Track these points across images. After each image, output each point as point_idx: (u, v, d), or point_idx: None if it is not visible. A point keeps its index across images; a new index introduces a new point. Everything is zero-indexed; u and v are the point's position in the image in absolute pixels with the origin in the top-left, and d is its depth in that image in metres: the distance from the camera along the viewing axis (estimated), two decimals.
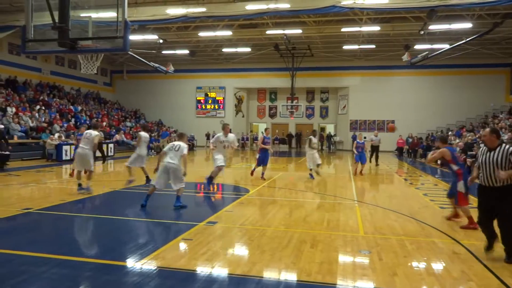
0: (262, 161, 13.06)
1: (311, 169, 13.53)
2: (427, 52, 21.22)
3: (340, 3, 16.97)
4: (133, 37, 21.92)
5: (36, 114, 21.95)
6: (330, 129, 35.20)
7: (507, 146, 4.89)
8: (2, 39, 22.88)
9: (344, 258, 5.18)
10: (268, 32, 23.77)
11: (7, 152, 14.73)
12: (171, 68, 26.37)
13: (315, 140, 13.88)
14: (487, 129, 5.10)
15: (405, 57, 22.83)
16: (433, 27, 20.87)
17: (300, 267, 4.71)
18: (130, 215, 7.61)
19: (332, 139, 32.99)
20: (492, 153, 4.94)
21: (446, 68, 28.76)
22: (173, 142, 8.23)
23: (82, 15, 6.73)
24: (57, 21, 6.14)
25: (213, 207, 9.02)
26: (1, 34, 20.85)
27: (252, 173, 13.42)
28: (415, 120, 29.96)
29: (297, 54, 28.96)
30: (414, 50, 24.46)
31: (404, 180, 14.41)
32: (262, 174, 13.07)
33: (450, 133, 25.94)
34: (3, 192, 9.68)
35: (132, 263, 4.78)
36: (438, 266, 4.89)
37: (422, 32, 21.65)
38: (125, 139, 25.94)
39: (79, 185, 9.42)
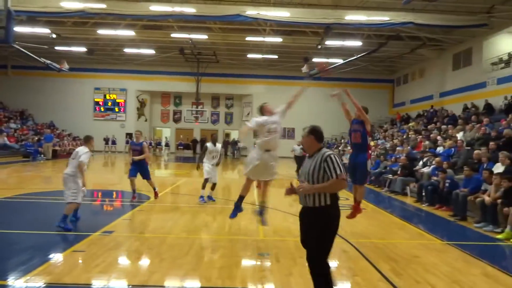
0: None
1: (204, 187, 9.67)
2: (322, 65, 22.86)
3: (245, 13, 17.47)
4: (20, 29, 19.68)
5: None
6: (235, 135, 35.75)
7: (326, 151, 3.56)
8: None
9: (244, 262, 5.26)
10: (173, 35, 23.33)
11: None
12: (66, 66, 24.22)
13: (214, 147, 9.80)
14: (306, 129, 3.75)
15: (304, 69, 24.29)
16: (329, 42, 22.58)
17: (200, 274, 4.67)
18: (12, 227, 6.75)
19: (237, 145, 33.55)
20: (310, 160, 3.64)
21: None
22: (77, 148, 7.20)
23: None
24: None
25: (110, 216, 8.48)
26: None
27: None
28: None
29: (202, 59, 28.90)
30: (312, 63, 26.15)
31: None
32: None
33: (342, 141, 28.22)
34: None
35: (13, 281, 4.23)
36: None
37: (319, 47, 23.26)
38: (8, 143, 23.11)
39: None
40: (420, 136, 17.41)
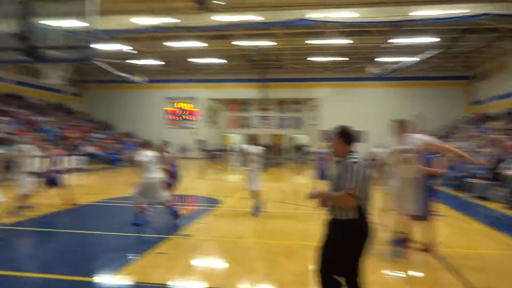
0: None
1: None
2: (394, 65, 21.93)
3: (307, 17, 17.36)
4: (101, 47, 21.46)
5: None
6: (303, 139, 35.54)
7: (353, 158, 3.16)
8: None
9: None
10: (239, 43, 23.87)
11: None
12: (142, 78, 25.97)
13: (254, 150, 8.65)
14: (335, 130, 3.36)
15: (371, 70, 23.51)
16: (397, 40, 21.59)
17: (274, 278, 4.67)
18: (101, 229, 7.33)
19: (304, 150, 33.30)
20: (339, 165, 3.26)
21: (408, 80, 29.77)
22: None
23: (46, 23, 6.52)
24: (20, 29, 5.91)
25: (187, 220, 8.82)
26: None
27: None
28: (384, 130, 30.60)
29: (268, 65, 29.22)
30: (381, 63, 25.19)
31: None
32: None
33: None
34: None
35: (104, 278, 4.59)
36: None
37: (385, 46, 22.35)
38: (94, 151, 25.22)
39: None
40: (506, 136, 15.93)
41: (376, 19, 17.75)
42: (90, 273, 4.79)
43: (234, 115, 36.75)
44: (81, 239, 6.66)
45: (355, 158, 3.12)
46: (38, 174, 8.37)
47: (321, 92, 32.77)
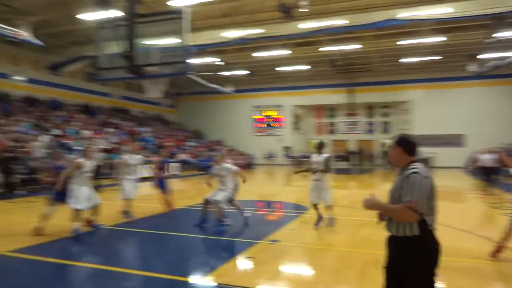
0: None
1: (315, 206, 8.03)
2: (496, 62, 19.85)
3: (396, 16, 16.55)
4: (193, 61, 22.91)
5: (106, 136, 23.52)
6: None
7: (414, 168, 2.81)
8: (79, 68, 25.02)
9: None
10: (323, 49, 23.67)
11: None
12: (230, 89, 27.14)
13: (319, 158, 7.94)
14: (394, 139, 3.05)
15: (472, 68, 21.56)
16: (501, 34, 19.48)
17: None
18: (193, 232, 7.77)
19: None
20: (398, 176, 2.94)
21: None
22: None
23: (147, 42, 7.18)
24: (125, 50, 6.60)
25: (274, 225, 8.97)
26: (78, 64, 22.83)
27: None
28: (488, 133, 27.81)
29: (354, 69, 28.49)
30: (481, 60, 22.98)
31: (487, 202, 13.34)
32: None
33: None
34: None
35: (196, 279, 4.87)
36: None
37: (488, 41, 20.32)
38: (188, 159, 26.91)
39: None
40: None
41: (473, 12, 16.26)
42: (184, 273, 5.11)
43: (320, 121, 36.44)
44: (177, 241, 7.15)
45: (416, 168, 2.78)
46: (143, 180, 9.19)
47: (412, 94, 30.96)
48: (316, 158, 7.92)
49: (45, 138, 18.39)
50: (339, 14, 17.98)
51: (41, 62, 24.64)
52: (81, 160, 7.24)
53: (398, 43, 21.97)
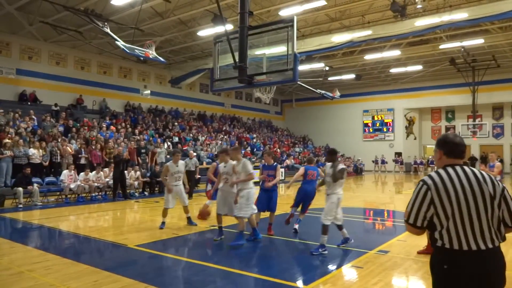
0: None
1: (325, 227, 6.32)
2: None
3: None
4: (301, 68, 23.18)
5: (219, 142, 25.12)
6: None
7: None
8: (195, 81, 27.29)
9: None
10: (441, 46, 21.86)
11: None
12: (337, 94, 26.61)
13: (341, 166, 6.52)
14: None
15: None
16: None
17: None
18: (303, 238, 7.82)
19: None
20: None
21: None
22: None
23: (257, 53, 7.52)
24: (237, 61, 7.01)
25: (384, 235, 8.57)
26: (195, 77, 24.91)
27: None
28: None
29: (478, 66, 25.66)
30: None
31: None
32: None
33: None
34: (196, 211, 11.28)
35: (303, 285, 4.92)
36: None
37: None
38: (294, 164, 27.21)
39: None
40: None
41: None
42: (292, 279, 5.20)
43: (436, 125, 33.61)
44: (285, 246, 7.29)
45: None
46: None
47: None
48: (328, 169, 6.59)
49: (165, 145, 20.41)
50: (460, 6, 16.47)
51: (164, 76, 27.49)
52: (168, 164, 8.56)
53: None
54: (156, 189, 15.76)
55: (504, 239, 2.31)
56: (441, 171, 2.38)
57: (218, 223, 7.36)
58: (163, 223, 8.46)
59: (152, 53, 11.63)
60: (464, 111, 30.24)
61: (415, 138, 33.80)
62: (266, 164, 7.91)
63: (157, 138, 21.11)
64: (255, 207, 7.13)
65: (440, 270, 2.29)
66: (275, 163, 7.99)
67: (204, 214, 8.60)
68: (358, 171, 31.12)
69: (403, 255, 6.30)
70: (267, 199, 7.66)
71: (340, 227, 6.77)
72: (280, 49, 7.23)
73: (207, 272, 5.38)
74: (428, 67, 26.85)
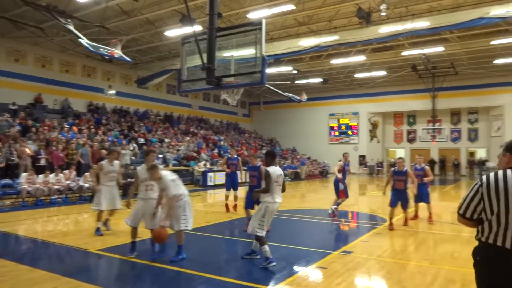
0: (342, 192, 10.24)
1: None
2: None
3: (489, 14, 15.27)
4: (269, 70, 23.35)
5: (186, 144, 24.85)
6: (481, 154, 31.14)
7: None
8: (162, 81, 26.87)
9: None
10: (404, 53, 22.67)
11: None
12: (304, 97, 26.96)
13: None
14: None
15: None
16: None
17: None
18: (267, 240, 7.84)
19: (484, 165, 29.07)
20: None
21: None
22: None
23: (225, 54, 7.50)
24: (205, 62, 6.97)
25: (348, 236, 8.76)
26: (162, 77, 24.54)
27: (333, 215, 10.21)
28: None
29: (438, 73, 26.82)
30: None
31: None
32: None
33: None
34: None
35: (269, 287, 4.94)
36: None
37: None
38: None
39: None
40: None
41: None
42: (256, 281, 5.21)
43: (399, 129, 34.79)
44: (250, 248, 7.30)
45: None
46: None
47: (505, 98, 28.27)
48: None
49: (131, 146, 19.99)
50: (422, 15, 17.15)
51: (130, 76, 26.90)
52: (103, 162, 8.14)
53: (492, 43, 20.26)
54: (120, 191, 15.31)
55: None
56: (500, 172, 2.50)
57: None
58: (98, 229, 7.78)
59: (117, 52, 11.32)
60: (425, 115, 31.47)
61: (378, 142, 34.80)
62: (250, 165, 8.60)
63: (121, 140, 20.59)
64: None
65: (476, 262, 2.57)
66: (259, 164, 8.42)
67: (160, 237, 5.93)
68: (324, 174, 31.66)
69: (366, 255, 6.47)
70: (249, 198, 8.04)
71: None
72: (248, 52, 7.25)
73: (169, 276, 5.30)
74: (392, 72, 27.74)
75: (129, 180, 12.95)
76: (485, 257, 2.49)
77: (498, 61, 23.89)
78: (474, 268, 2.58)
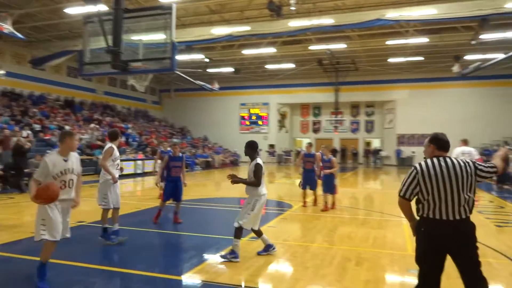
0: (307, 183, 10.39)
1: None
2: (479, 63, 20.27)
3: (385, 16, 16.75)
4: (180, 57, 22.77)
5: (90, 132, 23.25)
6: (376, 144, 34.35)
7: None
8: (62, 63, 24.62)
9: (391, 277, 5.01)
10: (311, 47, 23.84)
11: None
12: (216, 86, 27.06)
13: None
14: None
15: (456, 69, 21.97)
16: (486, 36, 19.91)
17: (344, 285, 4.62)
18: (175, 229, 7.80)
19: (378, 154, 32.15)
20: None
21: (498, 79, 27.30)
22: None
23: (133, 38, 7.14)
24: (111, 45, 6.56)
25: None
26: (62, 58, 22.46)
27: (305, 203, 10.49)
28: (468, 134, 28.30)
29: (341, 68, 28.76)
30: (465, 61, 23.47)
31: None
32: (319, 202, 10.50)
33: (508, 147, 24.39)
34: None
35: (176, 276, 4.90)
36: None
37: (473, 42, 20.73)
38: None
39: None
40: None
41: (459, 14, 16.54)
42: (165, 271, 5.14)
43: (305, 120, 36.68)
44: (160, 238, 7.15)
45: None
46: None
47: (397, 94, 31.45)
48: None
49: (24, 133, 18.10)
50: (328, 13, 18.15)
51: (23, 56, 24.20)
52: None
53: (387, 43, 22.25)
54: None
55: (471, 212, 3.14)
56: (429, 160, 3.22)
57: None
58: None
59: (7, 27, 10.11)
60: (329, 108, 33.61)
61: (286, 131, 36.32)
62: (173, 155, 8.32)
63: (13, 126, 18.51)
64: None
65: (420, 232, 3.23)
66: (181, 154, 8.44)
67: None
68: (235, 163, 32.13)
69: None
70: (173, 189, 8.06)
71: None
72: (158, 36, 7.00)
73: (72, 271, 4.97)
74: (300, 65, 29.00)
75: None
76: (426, 227, 3.17)
77: (391, 60, 26.42)
78: (416, 236, 3.28)
